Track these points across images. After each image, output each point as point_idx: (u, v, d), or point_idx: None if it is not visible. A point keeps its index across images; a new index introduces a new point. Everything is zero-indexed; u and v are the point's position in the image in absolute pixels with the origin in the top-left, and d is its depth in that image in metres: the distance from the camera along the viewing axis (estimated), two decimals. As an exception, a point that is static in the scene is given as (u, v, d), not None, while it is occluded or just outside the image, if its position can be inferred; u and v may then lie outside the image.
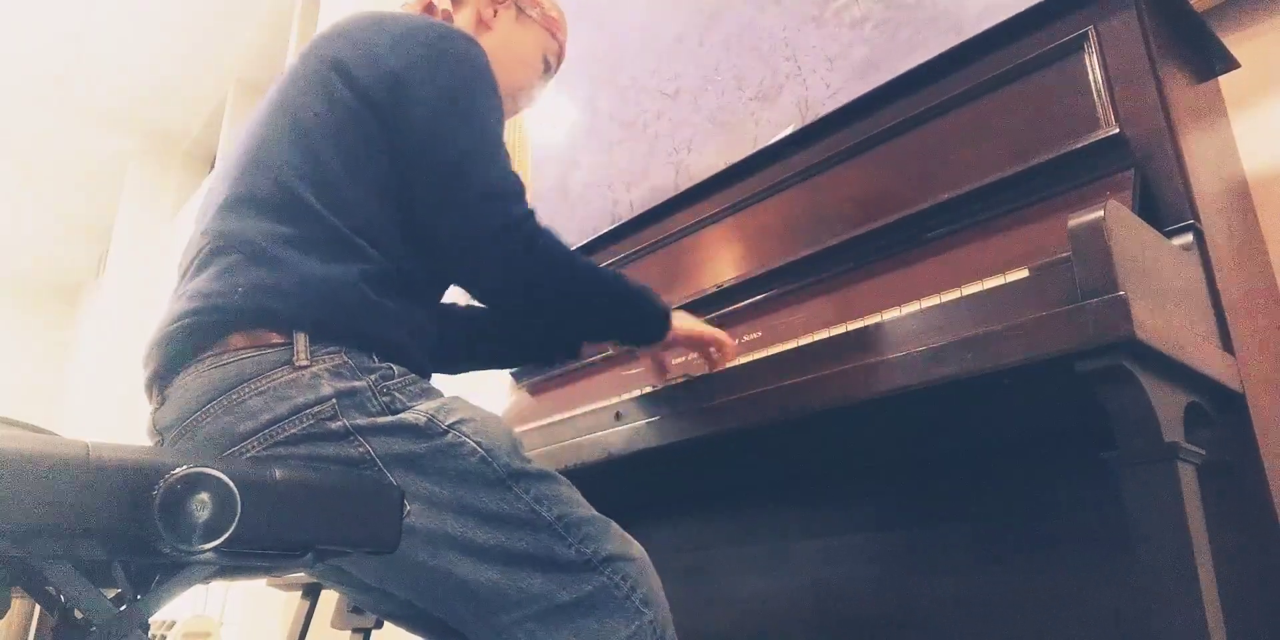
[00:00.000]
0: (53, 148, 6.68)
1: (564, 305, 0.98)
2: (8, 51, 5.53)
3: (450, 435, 0.84)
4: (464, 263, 0.92)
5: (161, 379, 0.87)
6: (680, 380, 1.18)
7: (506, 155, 0.94)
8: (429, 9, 1.13)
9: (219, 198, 0.90)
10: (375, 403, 0.83)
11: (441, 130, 0.90)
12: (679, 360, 1.28)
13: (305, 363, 0.81)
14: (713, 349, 1.15)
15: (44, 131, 6.45)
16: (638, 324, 1.07)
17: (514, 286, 0.94)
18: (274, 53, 5.73)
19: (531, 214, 0.92)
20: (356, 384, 0.83)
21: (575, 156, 2.39)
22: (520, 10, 1.16)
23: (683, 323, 1.11)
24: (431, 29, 0.96)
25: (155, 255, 6.72)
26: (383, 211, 0.90)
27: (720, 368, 1.14)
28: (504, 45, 1.13)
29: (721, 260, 1.48)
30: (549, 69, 1.21)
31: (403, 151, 0.90)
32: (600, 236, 1.71)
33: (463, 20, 1.13)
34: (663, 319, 1.08)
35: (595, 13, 2.43)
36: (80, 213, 7.63)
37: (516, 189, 0.92)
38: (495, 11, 1.14)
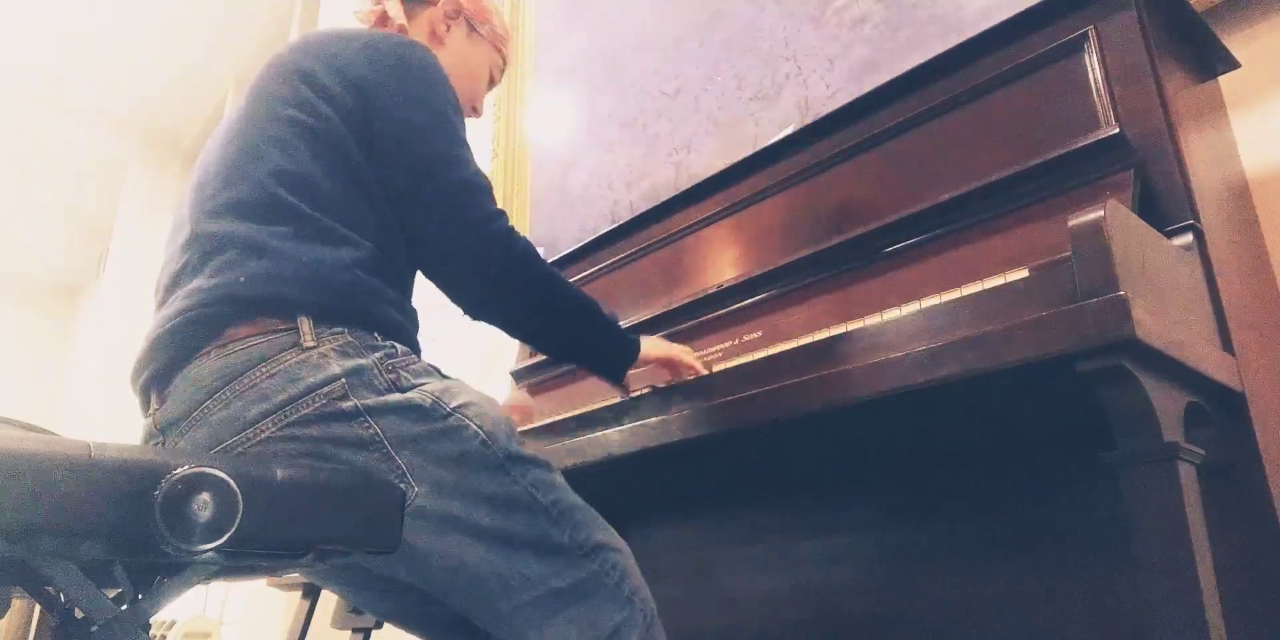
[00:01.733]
0: (53, 148, 6.68)
1: (534, 311, 1.00)
2: (7, 51, 5.53)
3: (454, 418, 0.87)
4: (442, 258, 0.95)
5: (160, 380, 0.87)
6: (683, 380, 1.18)
7: (472, 155, 0.98)
8: (383, 22, 1.17)
9: (201, 210, 0.91)
10: (382, 380, 0.85)
11: (412, 133, 0.94)
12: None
13: (312, 344, 0.83)
14: (677, 368, 1.19)
15: (44, 131, 6.45)
16: (604, 353, 1.09)
17: (486, 281, 0.96)
18: (274, 53, 5.72)
19: (504, 213, 0.96)
20: (363, 362, 0.85)
21: (575, 156, 2.39)
22: (471, 27, 1.21)
23: (650, 352, 1.14)
24: (392, 39, 1.00)
25: (155, 255, 6.72)
26: (366, 209, 0.92)
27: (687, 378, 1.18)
28: (455, 59, 1.18)
29: (722, 260, 1.48)
30: (494, 82, 1.28)
31: (377, 153, 0.93)
32: (600, 236, 1.71)
33: (416, 34, 1.18)
34: (629, 356, 1.10)
35: (595, 13, 2.43)
36: (80, 213, 7.63)
37: (486, 186, 0.96)
38: (448, 27, 1.19)
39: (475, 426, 0.87)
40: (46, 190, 7.24)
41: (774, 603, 1.46)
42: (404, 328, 0.92)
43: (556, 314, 1.01)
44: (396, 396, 0.85)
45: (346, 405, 0.82)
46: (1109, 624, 1.08)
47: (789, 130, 1.40)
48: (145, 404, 0.90)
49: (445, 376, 0.94)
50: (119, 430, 5.89)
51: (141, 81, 6.03)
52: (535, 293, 0.99)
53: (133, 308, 6.50)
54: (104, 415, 6.08)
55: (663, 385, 1.20)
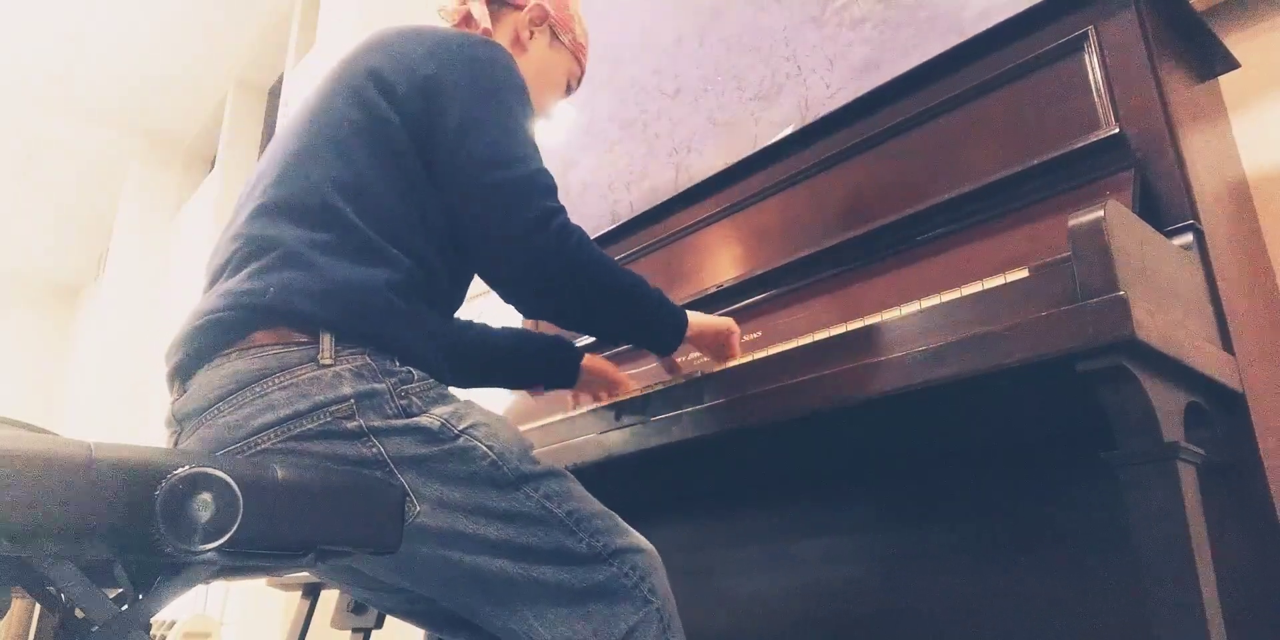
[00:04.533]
0: (53, 148, 6.69)
1: (591, 306, 0.98)
2: (8, 51, 5.53)
3: (463, 439, 0.86)
4: (497, 257, 0.93)
5: (184, 372, 0.88)
6: (681, 380, 1.18)
7: (538, 154, 0.96)
8: (467, 23, 1.16)
9: (253, 204, 0.92)
10: (392, 405, 0.85)
11: (474, 126, 0.92)
12: (687, 358, 1.29)
13: (330, 361, 0.83)
14: (721, 346, 1.16)
15: (44, 131, 6.46)
16: (658, 333, 1.08)
17: (545, 280, 0.94)
18: (274, 53, 5.73)
19: (563, 210, 0.94)
20: (377, 386, 0.84)
21: (575, 156, 2.39)
22: (554, 35, 1.20)
23: (696, 325, 1.12)
24: (465, 38, 0.99)
25: (155, 255, 6.73)
26: (413, 219, 0.92)
27: (728, 363, 1.15)
28: (535, 66, 1.17)
29: (721, 260, 1.48)
30: (570, 91, 1.27)
31: (436, 152, 0.92)
32: (600, 236, 1.71)
33: (500, 38, 1.17)
34: (680, 330, 1.09)
35: (595, 13, 2.43)
36: (80, 213, 7.64)
37: (549, 184, 0.94)
38: (532, 33, 1.18)
39: (485, 448, 0.87)
40: (46, 190, 7.24)
41: (774, 603, 1.46)
42: (426, 352, 0.91)
43: (611, 302, 0.99)
44: (404, 421, 0.84)
45: (351, 425, 0.82)
46: (1109, 624, 1.08)
47: (789, 130, 1.40)
48: (170, 388, 0.91)
49: (461, 400, 0.93)
50: (119, 430, 5.90)
51: (141, 81, 6.03)
52: (591, 286, 0.96)
53: (132, 308, 6.50)
54: (104, 415, 6.09)
55: (713, 369, 1.17)
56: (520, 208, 0.91)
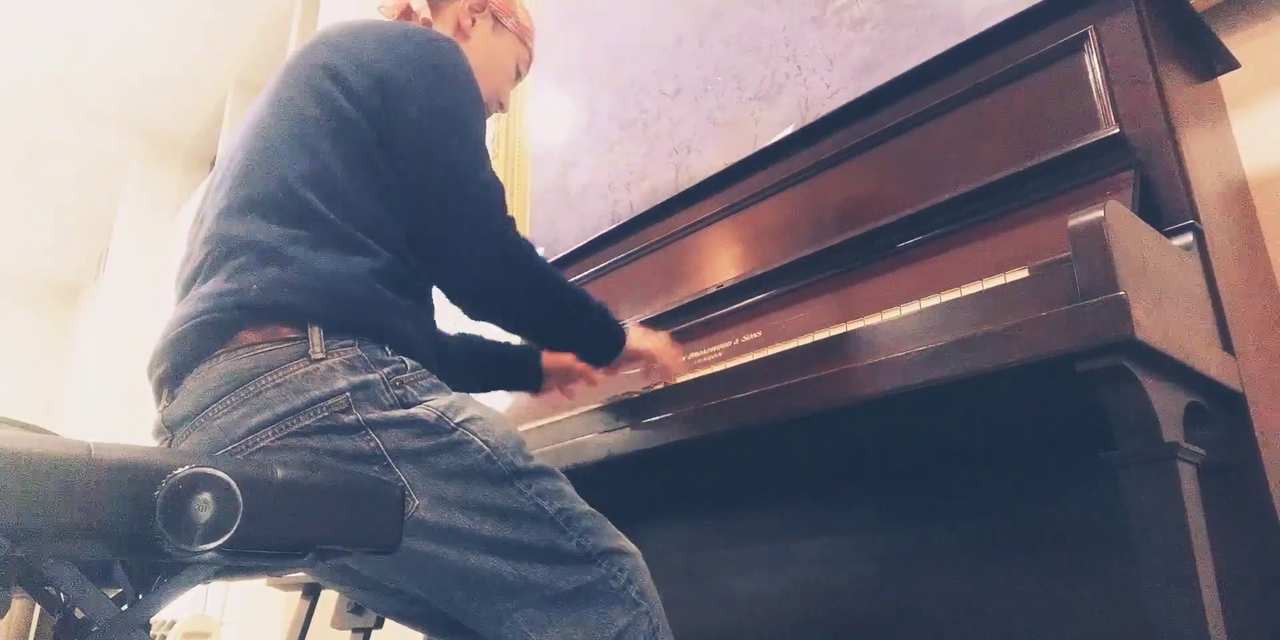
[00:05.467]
0: (53, 148, 6.68)
1: (540, 312, 1.02)
2: (8, 51, 5.52)
3: (459, 433, 0.86)
4: (455, 265, 0.96)
5: (172, 379, 0.87)
6: (683, 380, 1.18)
7: (489, 161, 0.98)
8: (407, 15, 1.16)
9: (221, 204, 0.91)
10: (388, 395, 0.85)
11: (433, 139, 0.93)
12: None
13: (321, 355, 0.83)
14: (655, 364, 1.20)
15: (44, 131, 6.45)
16: (597, 343, 1.12)
17: (496, 286, 0.97)
18: (274, 53, 5.73)
19: (513, 221, 0.97)
20: (370, 377, 0.84)
21: (575, 156, 2.39)
22: (496, 20, 1.20)
23: (634, 343, 1.16)
24: (419, 35, 0.99)
25: (155, 255, 6.73)
26: (384, 211, 0.92)
27: (669, 381, 1.21)
28: (481, 53, 1.17)
29: (721, 260, 1.48)
30: (519, 76, 1.26)
31: (398, 154, 0.93)
32: (600, 236, 1.71)
33: (441, 27, 1.16)
34: (617, 344, 1.13)
35: (595, 13, 2.43)
36: (80, 213, 7.63)
37: (500, 197, 0.97)
38: (473, 21, 1.18)
39: (480, 441, 0.87)
40: (46, 190, 7.24)
41: (774, 603, 1.46)
42: (416, 341, 0.91)
43: (556, 311, 1.03)
44: (400, 412, 0.84)
45: (348, 418, 0.82)
46: (1109, 624, 1.08)
47: (789, 130, 1.40)
48: (158, 398, 0.91)
49: (455, 391, 0.93)
50: (119, 430, 5.89)
51: (141, 81, 6.03)
52: (539, 294, 1.00)
53: (132, 308, 6.50)
54: (104, 415, 6.08)
55: (638, 392, 1.23)
56: (482, 222, 0.94)
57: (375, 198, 0.91)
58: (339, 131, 0.91)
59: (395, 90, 0.93)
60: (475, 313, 1.01)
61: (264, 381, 0.82)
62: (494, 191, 0.95)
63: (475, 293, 0.99)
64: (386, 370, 0.86)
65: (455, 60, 0.99)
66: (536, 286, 0.99)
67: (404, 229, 0.93)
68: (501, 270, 0.95)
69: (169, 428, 0.87)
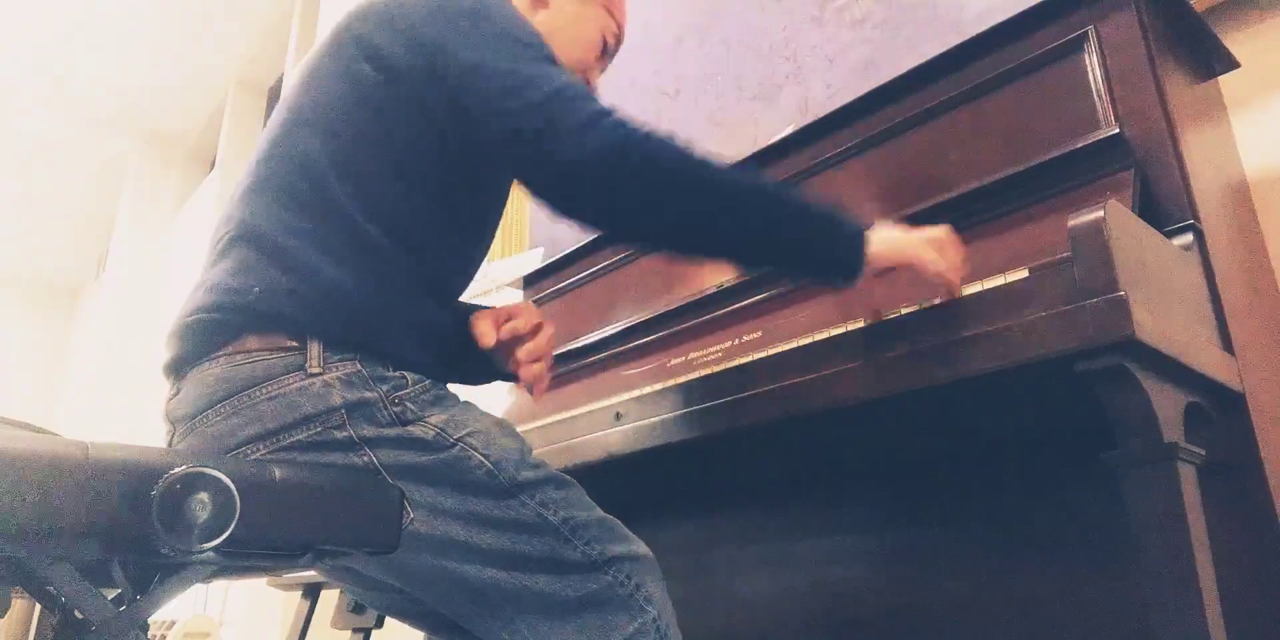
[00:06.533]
0: (53, 148, 6.69)
1: (690, 213, 0.82)
2: (8, 51, 5.53)
3: (458, 448, 0.84)
4: (565, 183, 0.82)
5: (179, 368, 0.87)
6: (683, 380, 1.18)
7: (560, 71, 0.85)
8: None
9: (247, 181, 0.90)
10: (385, 413, 0.82)
11: (487, 62, 0.83)
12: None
13: (318, 370, 0.81)
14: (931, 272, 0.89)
15: (44, 131, 6.45)
16: (809, 248, 0.86)
17: (616, 192, 0.81)
18: (274, 53, 5.73)
19: (611, 110, 0.82)
20: (368, 395, 0.82)
21: (575, 156, 2.38)
22: None
23: (883, 245, 0.87)
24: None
25: (155, 255, 6.73)
26: (410, 200, 0.87)
27: (955, 295, 0.89)
28: (561, 21, 1.05)
29: (721, 260, 1.47)
30: (606, 51, 1.10)
31: (455, 102, 0.85)
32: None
33: None
34: (851, 240, 0.86)
35: (595, 13, 2.43)
36: (80, 213, 7.64)
37: (581, 91, 0.83)
38: None
39: (480, 456, 0.84)
40: (46, 190, 7.24)
41: (774, 603, 1.46)
42: (420, 355, 0.88)
43: (722, 209, 0.83)
44: (397, 430, 0.82)
45: (341, 435, 0.80)
46: (1108, 624, 1.08)
47: (789, 130, 1.40)
48: (168, 381, 0.90)
49: (458, 403, 0.90)
50: (119, 430, 5.89)
51: (141, 81, 6.03)
52: (678, 191, 0.82)
53: (132, 308, 6.50)
54: (104, 415, 6.09)
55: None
56: (560, 117, 0.79)
57: (405, 185, 0.86)
58: (363, 106, 0.87)
59: (439, 47, 0.85)
60: (624, 232, 0.87)
61: (258, 393, 0.80)
62: (569, 92, 0.81)
63: (595, 206, 0.83)
64: (386, 387, 0.83)
65: (507, 10, 0.90)
66: (665, 174, 0.80)
67: (436, 217, 0.88)
68: (608, 165, 0.79)
69: (172, 422, 0.87)
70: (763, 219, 0.83)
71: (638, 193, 0.81)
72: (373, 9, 0.92)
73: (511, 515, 0.84)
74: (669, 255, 0.89)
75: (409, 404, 0.84)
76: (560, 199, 0.84)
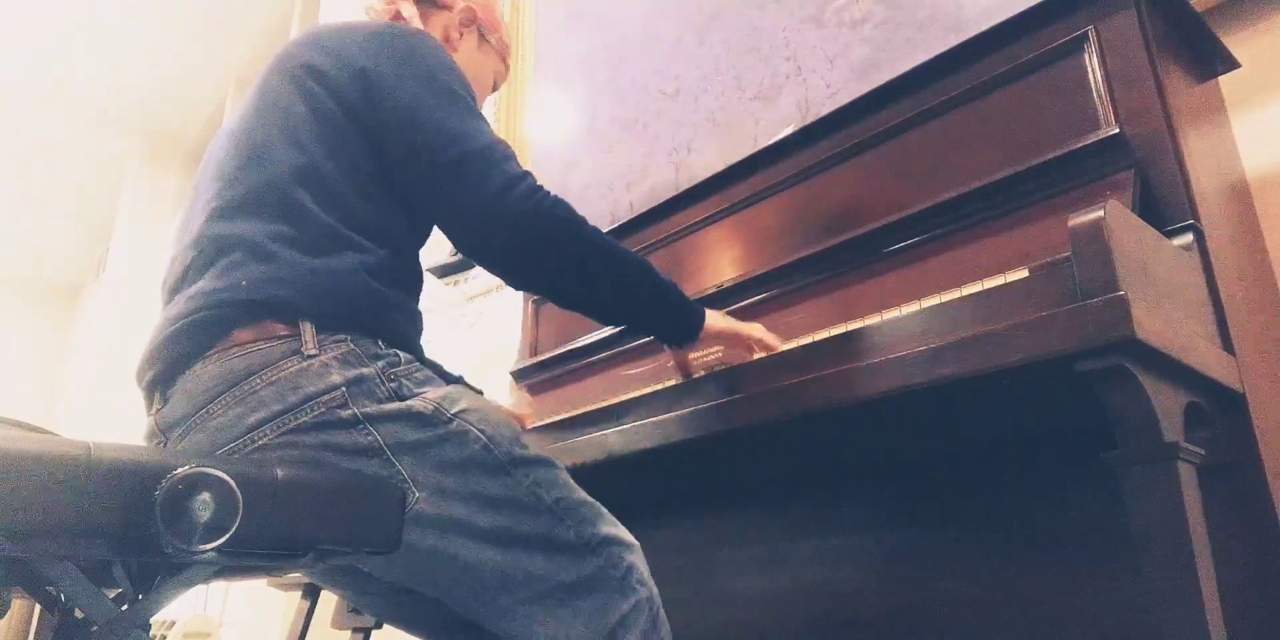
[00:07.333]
0: (53, 148, 6.68)
1: (581, 271, 0.95)
2: (8, 51, 5.52)
3: (456, 423, 0.87)
4: (475, 231, 0.92)
5: (164, 382, 0.87)
6: (683, 380, 1.18)
7: (488, 127, 0.95)
8: (397, 21, 1.16)
9: (211, 206, 0.91)
10: (383, 389, 0.85)
11: (416, 111, 0.92)
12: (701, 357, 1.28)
13: (314, 352, 0.83)
14: (748, 340, 1.12)
15: (44, 131, 6.45)
16: (666, 313, 1.03)
17: (521, 247, 0.91)
18: (274, 53, 5.72)
19: (529, 173, 0.92)
20: (365, 371, 0.84)
21: (575, 156, 2.39)
22: (482, 36, 1.22)
23: (715, 323, 1.08)
24: (399, 29, 1.00)
25: (155, 255, 6.72)
26: (374, 208, 0.92)
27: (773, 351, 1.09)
28: (465, 66, 1.17)
29: (722, 260, 1.48)
30: (495, 89, 1.29)
31: (384, 142, 0.92)
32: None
33: None
34: (695, 317, 1.05)
35: (595, 13, 2.43)
36: (80, 213, 7.63)
37: (507, 152, 0.93)
38: (461, 34, 1.20)
39: (477, 431, 0.87)
40: (46, 190, 7.24)
41: (774, 603, 1.46)
42: (408, 333, 0.92)
43: (604, 276, 0.96)
44: (396, 405, 0.85)
45: (345, 413, 0.82)
46: (1109, 624, 1.08)
47: (789, 130, 1.40)
48: (149, 403, 0.90)
49: (450, 380, 0.93)
50: (119, 430, 5.89)
51: (141, 81, 6.03)
52: (575, 254, 0.93)
53: (133, 308, 6.50)
54: (104, 415, 6.08)
55: (721, 367, 1.13)
56: (483, 177, 0.89)
57: (364, 194, 0.91)
58: (325, 128, 0.92)
59: (375, 79, 0.93)
60: (518, 281, 0.98)
61: (258, 380, 0.82)
62: (493, 152, 0.91)
63: (504, 260, 0.94)
64: (380, 364, 0.86)
65: (435, 48, 0.99)
66: (568, 245, 0.92)
67: (396, 224, 0.93)
68: (522, 231, 0.90)
69: (163, 431, 0.87)
70: (636, 286, 0.99)
71: (541, 253, 0.92)
72: (316, 37, 0.99)
73: (508, 493, 0.87)
74: (554, 302, 1.00)
75: (404, 380, 0.87)
76: (469, 248, 0.94)
